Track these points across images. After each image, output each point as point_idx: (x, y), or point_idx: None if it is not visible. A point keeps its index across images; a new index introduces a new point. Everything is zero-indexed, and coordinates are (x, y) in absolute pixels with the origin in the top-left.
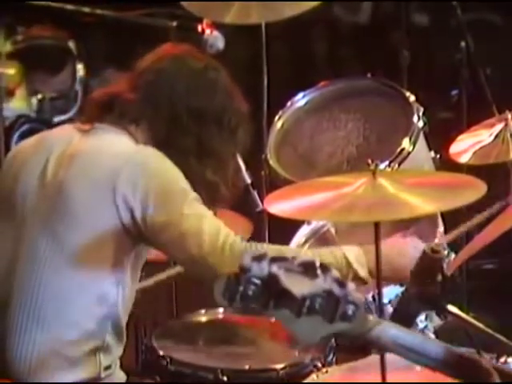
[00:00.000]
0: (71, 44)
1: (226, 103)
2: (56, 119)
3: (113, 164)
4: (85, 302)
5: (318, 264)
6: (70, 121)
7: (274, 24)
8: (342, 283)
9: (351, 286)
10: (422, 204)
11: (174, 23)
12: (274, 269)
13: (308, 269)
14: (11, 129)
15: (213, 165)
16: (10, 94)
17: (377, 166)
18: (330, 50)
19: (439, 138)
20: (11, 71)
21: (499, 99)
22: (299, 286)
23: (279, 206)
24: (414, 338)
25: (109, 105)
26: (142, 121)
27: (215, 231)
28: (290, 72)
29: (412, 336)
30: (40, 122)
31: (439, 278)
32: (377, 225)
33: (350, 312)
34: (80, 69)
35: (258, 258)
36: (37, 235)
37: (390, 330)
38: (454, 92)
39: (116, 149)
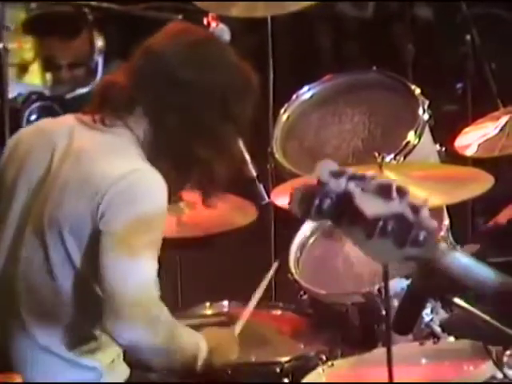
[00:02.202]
0: (87, 12)
1: (221, 76)
2: (71, 94)
3: (105, 180)
4: (77, 304)
5: (394, 186)
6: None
7: (278, 18)
8: (416, 208)
9: (425, 212)
10: (429, 197)
11: (180, 16)
12: (351, 186)
13: (384, 191)
14: (23, 106)
15: (206, 142)
16: (24, 69)
17: (383, 158)
18: (334, 44)
19: (444, 130)
20: (25, 46)
21: (504, 92)
22: (372, 207)
23: (286, 198)
24: (486, 270)
25: (106, 95)
26: (137, 108)
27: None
28: (293, 67)
29: (484, 268)
30: (52, 99)
31: None
32: None
33: (421, 238)
34: (98, 38)
35: (337, 174)
36: (35, 231)
37: (462, 260)
38: (459, 85)
39: (113, 164)
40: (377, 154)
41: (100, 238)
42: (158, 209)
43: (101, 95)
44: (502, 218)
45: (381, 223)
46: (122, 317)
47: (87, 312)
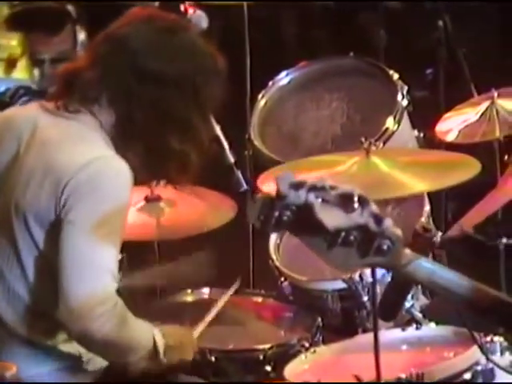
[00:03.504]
0: (70, 7)
1: (189, 63)
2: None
3: (68, 168)
4: (50, 292)
5: (356, 197)
6: None
7: (252, 5)
8: (379, 219)
9: (388, 221)
10: (416, 182)
11: (156, 3)
12: (311, 198)
13: (346, 201)
14: (11, 101)
15: (180, 132)
16: (12, 65)
17: (371, 144)
18: (306, 31)
19: (414, 116)
20: (12, 42)
21: (477, 77)
22: (334, 219)
23: (273, 184)
24: (451, 275)
25: (70, 84)
26: (102, 99)
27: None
28: (269, 53)
29: (449, 273)
30: (41, 93)
31: (430, 255)
32: None
33: (384, 247)
34: (81, 32)
35: (296, 186)
36: (3, 218)
37: (426, 266)
38: (429, 71)
39: (76, 152)
40: (364, 140)
41: (61, 225)
42: (121, 199)
43: (65, 83)
44: (467, 222)
45: (343, 234)
46: (75, 307)
47: (57, 300)
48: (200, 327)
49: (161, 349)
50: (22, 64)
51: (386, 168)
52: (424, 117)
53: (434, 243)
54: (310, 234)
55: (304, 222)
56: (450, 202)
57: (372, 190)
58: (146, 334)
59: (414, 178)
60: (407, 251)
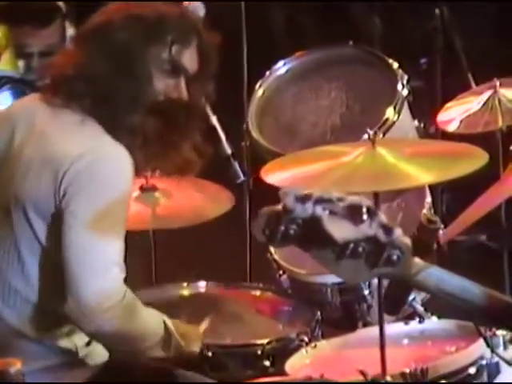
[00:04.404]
0: (60, 3)
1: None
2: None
3: (66, 157)
4: (46, 285)
5: (364, 208)
6: None
7: None
8: (388, 229)
9: (398, 231)
10: (422, 174)
11: None
12: (318, 211)
13: (354, 213)
14: None
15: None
16: None
17: (376, 134)
18: (296, 22)
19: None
20: None
21: (474, 67)
22: (342, 231)
23: (278, 175)
24: (461, 283)
25: (58, 85)
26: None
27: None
28: (266, 43)
29: (460, 281)
30: (24, 83)
31: (434, 247)
32: (376, 195)
33: (394, 258)
34: (70, 27)
35: (303, 199)
36: (1, 210)
37: (436, 274)
38: (423, 60)
39: (74, 142)
40: (369, 130)
41: (63, 217)
42: (122, 186)
43: (56, 82)
44: (469, 217)
45: (351, 246)
46: (85, 303)
47: (58, 293)
48: (205, 322)
49: (173, 332)
50: (5, 56)
51: (392, 159)
52: (419, 107)
53: (439, 235)
54: (318, 246)
55: (311, 235)
56: (445, 194)
57: (378, 181)
58: (156, 320)
59: (420, 169)
60: (417, 260)
